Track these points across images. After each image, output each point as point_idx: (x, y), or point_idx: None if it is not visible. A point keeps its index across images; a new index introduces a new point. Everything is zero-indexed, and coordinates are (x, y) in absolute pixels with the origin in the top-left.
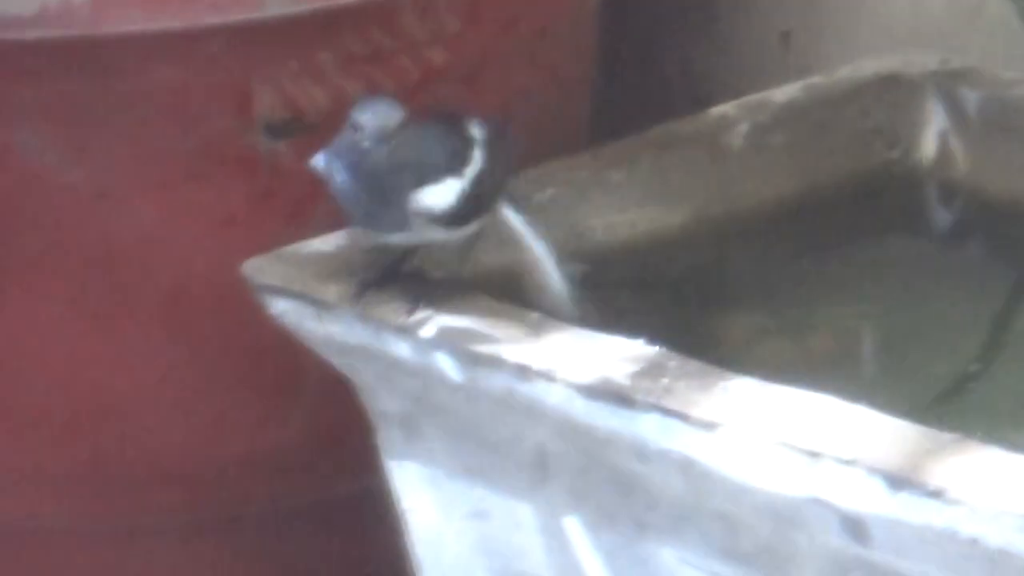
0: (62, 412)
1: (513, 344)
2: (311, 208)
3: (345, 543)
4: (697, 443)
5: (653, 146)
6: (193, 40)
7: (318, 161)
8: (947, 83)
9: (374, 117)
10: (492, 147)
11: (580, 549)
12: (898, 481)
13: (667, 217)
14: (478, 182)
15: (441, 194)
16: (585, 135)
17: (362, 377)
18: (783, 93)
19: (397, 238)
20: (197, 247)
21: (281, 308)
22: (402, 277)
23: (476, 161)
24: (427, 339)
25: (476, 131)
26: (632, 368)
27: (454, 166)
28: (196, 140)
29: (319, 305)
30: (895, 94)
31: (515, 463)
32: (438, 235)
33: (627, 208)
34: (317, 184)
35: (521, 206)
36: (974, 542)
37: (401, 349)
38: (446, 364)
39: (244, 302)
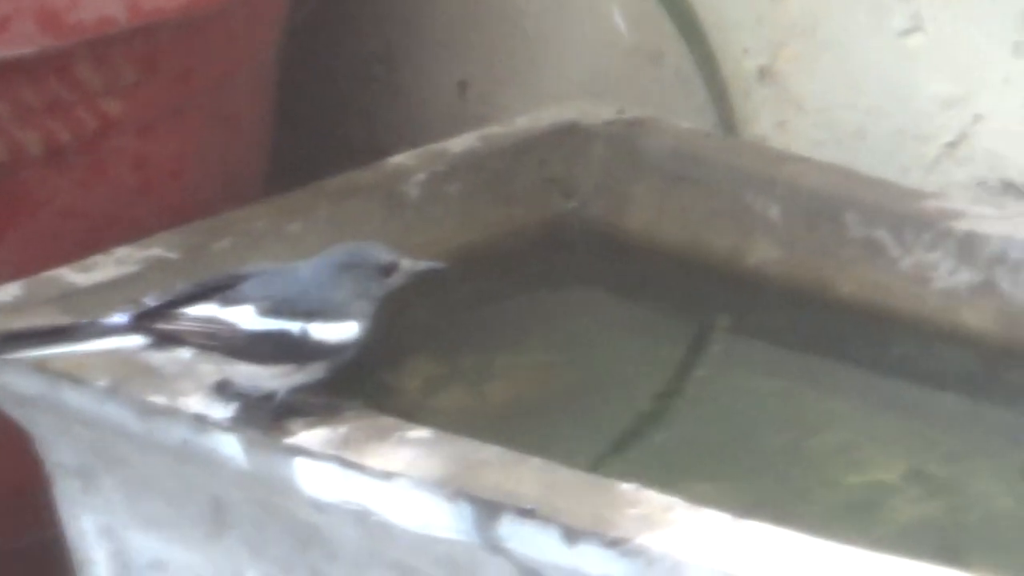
0: None
1: (189, 395)
2: None
3: None
4: (374, 493)
5: (331, 196)
6: None
7: None
8: (624, 133)
9: None
10: None
11: None
12: (576, 532)
13: None
14: None
15: None
16: (264, 186)
17: (39, 428)
18: (460, 142)
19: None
20: None
21: None
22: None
23: None
24: (103, 389)
25: None
26: (310, 419)
27: None
28: None
29: None
30: (572, 144)
31: (192, 515)
32: None
33: (304, 258)
34: None
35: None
36: None
37: (77, 400)
38: (123, 415)
39: None
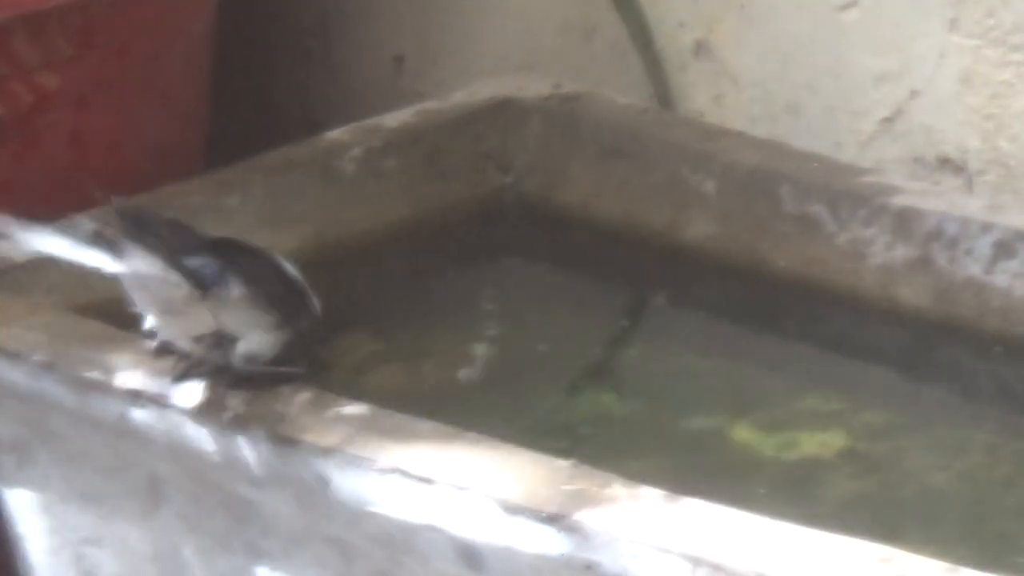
0: None
1: (125, 370)
2: None
3: None
4: (310, 469)
5: (267, 171)
6: None
7: None
8: (560, 108)
9: None
10: None
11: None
12: (512, 508)
13: (282, 242)
14: None
15: None
16: (200, 160)
17: None
18: (396, 118)
19: None
20: None
21: None
22: None
23: None
24: (39, 364)
25: None
26: (246, 393)
27: None
28: None
29: None
30: (508, 119)
31: (128, 489)
32: None
33: (241, 233)
34: None
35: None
36: (589, 569)
37: (12, 375)
38: (58, 390)
39: None
